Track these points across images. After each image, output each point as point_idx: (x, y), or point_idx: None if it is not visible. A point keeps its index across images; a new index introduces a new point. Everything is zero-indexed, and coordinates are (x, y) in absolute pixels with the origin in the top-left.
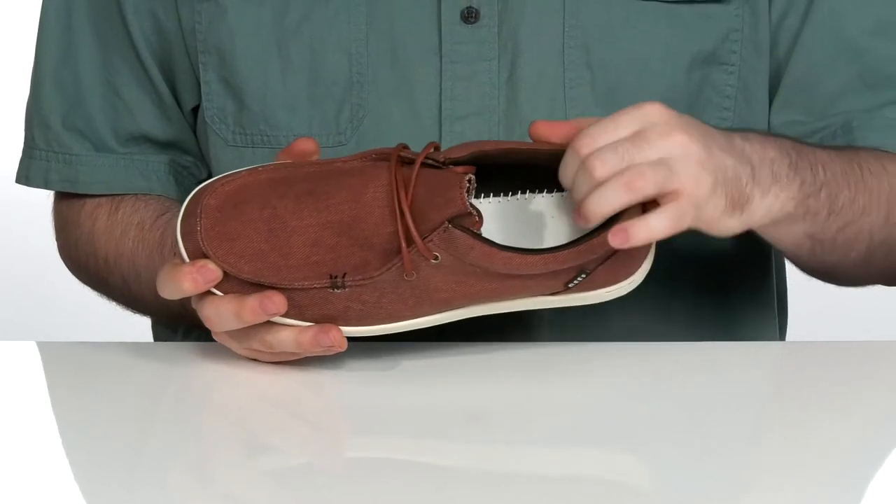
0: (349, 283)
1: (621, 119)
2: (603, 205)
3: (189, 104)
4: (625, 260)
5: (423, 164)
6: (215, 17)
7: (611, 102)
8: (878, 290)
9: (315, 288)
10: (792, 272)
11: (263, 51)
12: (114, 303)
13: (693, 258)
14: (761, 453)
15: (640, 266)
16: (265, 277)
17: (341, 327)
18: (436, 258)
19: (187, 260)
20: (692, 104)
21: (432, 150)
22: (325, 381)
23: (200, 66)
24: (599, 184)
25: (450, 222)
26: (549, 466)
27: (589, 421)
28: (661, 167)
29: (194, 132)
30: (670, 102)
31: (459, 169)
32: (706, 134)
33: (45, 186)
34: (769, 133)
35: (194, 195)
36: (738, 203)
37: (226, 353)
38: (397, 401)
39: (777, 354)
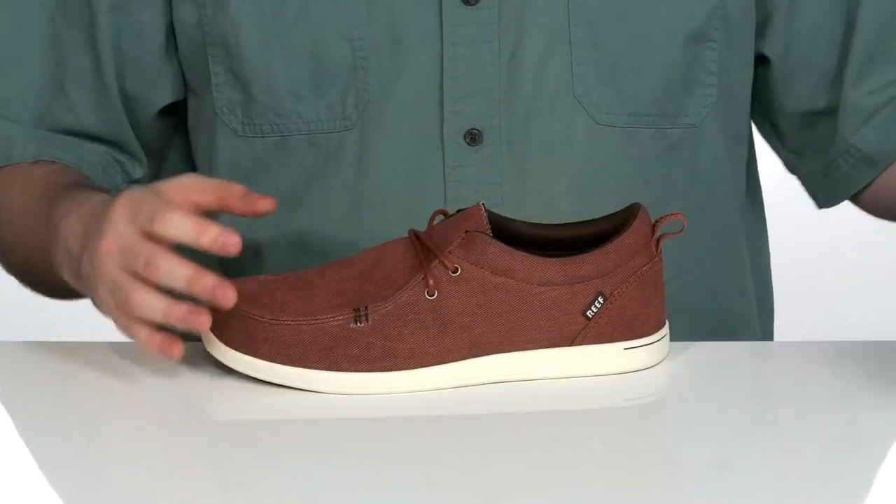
0: (371, 313)
1: None
2: None
3: (158, 103)
4: (641, 299)
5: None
6: (218, 9)
7: (614, 79)
8: (874, 291)
9: (338, 321)
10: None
11: (266, 41)
12: None
13: (677, 261)
14: (757, 452)
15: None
16: (287, 316)
17: (363, 373)
18: (455, 270)
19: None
20: (687, 81)
21: (441, 216)
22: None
23: (209, 57)
24: None
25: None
26: (549, 458)
27: (586, 415)
28: None
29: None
30: (669, 79)
31: None
32: None
33: None
34: None
35: None
36: None
37: (202, 358)
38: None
39: (768, 354)
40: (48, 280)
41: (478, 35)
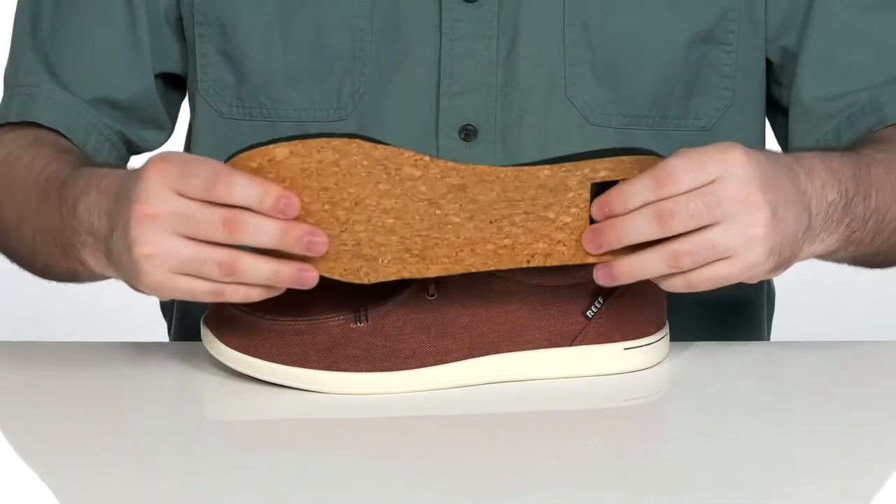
0: (371, 313)
1: (706, 164)
2: (639, 269)
3: (156, 69)
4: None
5: None
6: None
7: (610, 80)
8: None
9: (338, 321)
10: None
11: (267, 26)
12: None
13: None
14: (757, 452)
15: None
16: (287, 316)
17: (363, 373)
18: None
19: None
20: (691, 83)
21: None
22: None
23: (197, 37)
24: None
25: None
26: (549, 458)
27: (586, 415)
28: (721, 246)
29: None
30: (669, 81)
31: None
32: (778, 188)
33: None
34: (832, 158)
35: None
36: (784, 262)
37: (195, 357)
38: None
39: (768, 354)
40: (54, 263)
41: (476, 32)
